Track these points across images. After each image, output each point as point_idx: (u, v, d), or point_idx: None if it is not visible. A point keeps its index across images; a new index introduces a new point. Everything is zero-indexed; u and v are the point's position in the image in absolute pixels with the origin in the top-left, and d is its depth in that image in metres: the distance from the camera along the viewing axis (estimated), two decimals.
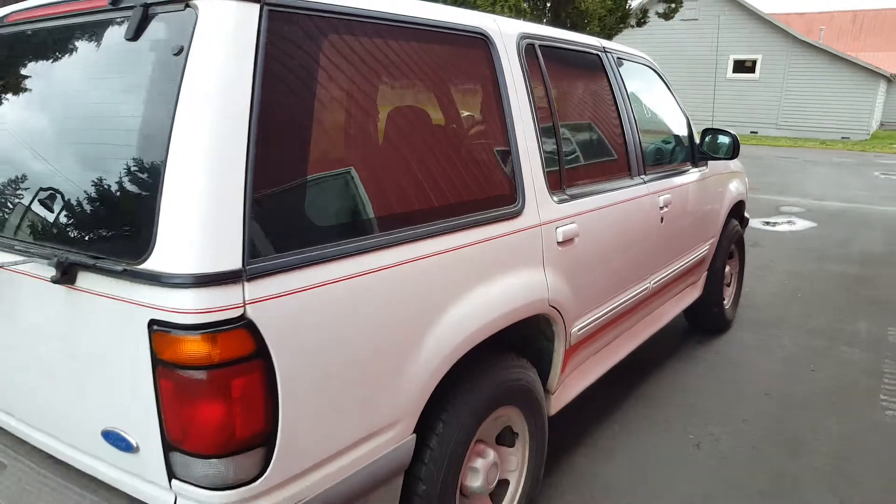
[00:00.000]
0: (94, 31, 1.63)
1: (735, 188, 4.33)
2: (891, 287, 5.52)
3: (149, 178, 1.35)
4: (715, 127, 3.73)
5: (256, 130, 1.37)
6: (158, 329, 1.29)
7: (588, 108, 2.78)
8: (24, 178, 1.63)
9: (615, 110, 2.89)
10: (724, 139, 3.66)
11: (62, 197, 1.52)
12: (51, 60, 1.74)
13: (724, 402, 3.42)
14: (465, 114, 2.13)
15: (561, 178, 2.35)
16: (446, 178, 1.90)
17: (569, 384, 2.57)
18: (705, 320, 4.29)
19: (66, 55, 1.69)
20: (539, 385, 2.27)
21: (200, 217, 1.28)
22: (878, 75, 22.65)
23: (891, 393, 3.54)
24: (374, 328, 1.60)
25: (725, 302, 4.39)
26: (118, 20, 1.56)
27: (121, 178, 1.41)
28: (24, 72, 1.79)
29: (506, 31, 2.22)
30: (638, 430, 3.13)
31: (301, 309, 1.41)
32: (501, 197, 2.06)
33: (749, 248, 5.46)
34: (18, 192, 1.63)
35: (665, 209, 3.15)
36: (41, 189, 1.58)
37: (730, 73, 23.01)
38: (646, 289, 3.06)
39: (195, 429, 1.31)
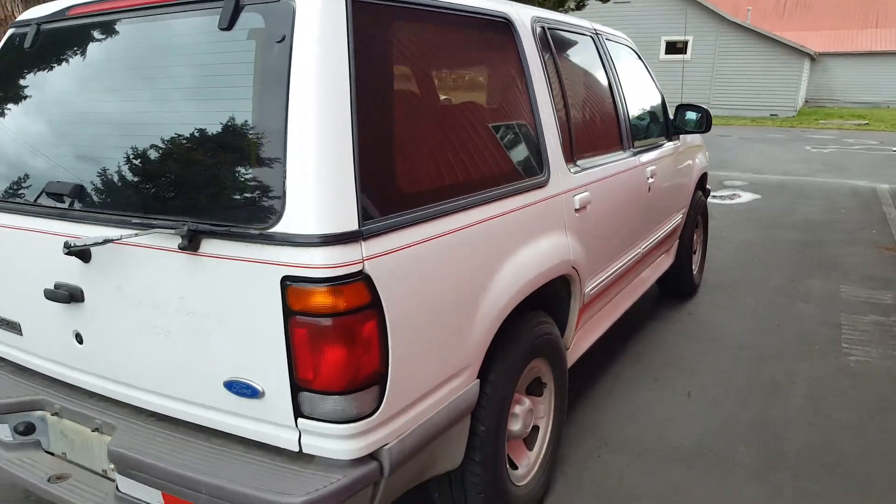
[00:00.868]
0: (173, 22, 1.75)
1: (700, 161, 4.66)
2: (834, 250, 6.00)
3: (272, 153, 1.48)
4: (688, 103, 4.02)
5: (357, 108, 1.53)
6: (291, 284, 1.44)
7: (587, 86, 3.00)
8: (139, 156, 1.71)
9: (608, 88, 3.13)
10: (696, 114, 3.96)
11: (185, 173, 1.64)
12: (133, 49, 1.84)
13: (705, 357, 3.74)
14: (500, 93, 2.31)
15: (572, 151, 2.56)
16: (497, 150, 2.11)
17: (579, 341, 2.80)
18: (677, 285, 4.61)
19: (150, 43, 1.80)
20: (561, 340, 2.49)
21: (323, 185, 1.45)
22: (802, 54, 23.86)
23: (850, 341, 3.93)
24: (455, 281, 1.81)
25: (693, 268, 4.73)
26: (196, 11, 1.69)
27: (243, 154, 1.54)
28: (109, 58, 1.88)
29: (523, 16, 2.41)
30: (631, 385, 3.41)
31: (403, 264, 1.59)
32: (532, 168, 2.26)
33: None
34: (136, 169, 1.72)
35: (651, 180, 3.41)
36: (161, 167, 1.68)
37: (662, 55, 23.71)
38: (638, 253, 3.33)
39: (325, 369, 1.47)
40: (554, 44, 2.60)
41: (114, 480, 1.81)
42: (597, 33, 3.17)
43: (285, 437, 1.58)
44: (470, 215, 1.86)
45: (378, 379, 1.55)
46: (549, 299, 2.54)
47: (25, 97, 2.04)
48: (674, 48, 23.79)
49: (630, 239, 3.21)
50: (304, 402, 1.52)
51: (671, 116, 3.98)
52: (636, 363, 3.65)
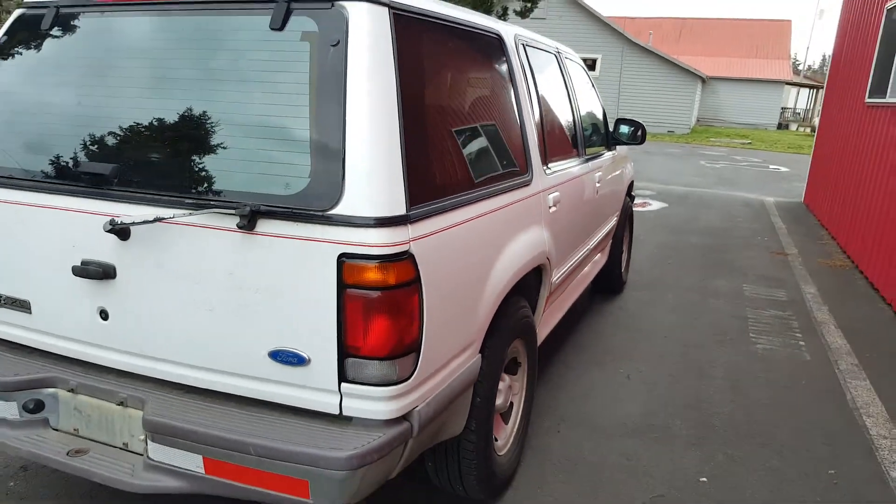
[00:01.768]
0: (217, 17, 1.88)
1: (629, 170, 5.13)
2: (734, 253, 6.69)
3: (331, 143, 1.66)
4: (625, 118, 4.44)
5: (401, 107, 1.74)
6: (347, 261, 1.63)
7: (552, 97, 3.31)
8: (191, 141, 1.83)
9: (568, 100, 3.46)
10: (631, 128, 4.38)
11: (240, 158, 1.77)
12: (173, 39, 1.94)
13: (638, 345, 4.16)
14: (497, 99, 2.57)
15: (545, 155, 2.86)
16: (498, 149, 2.37)
17: (542, 326, 3.10)
18: (609, 282, 5.04)
19: (193, 35, 1.92)
20: (534, 323, 2.78)
21: (377, 174, 1.64)
22: (696, 76, 25.75)
23: (756, 332, 4.48)
24: (470, 264, 2.05)
25: (622, 267, 5.18)
26: (244, 10, 1.84)
27: (300, 142, 1.70)
28: (145, 47, 1.97)
29: (509, 32, 2.69)
30: (578, 370, 3.75)
31: (437, 246, 1.82)
32: (519, 169, 2.54)
33: None
34: (188, 154, 1.83)
35: (598, 185, 3.79)
36: (216, 153, 1.80)
37: None
38: (587, 249, 3.68)
39: (373, 337, 1.66)
40: (528, 58, 2.89)
41: (136, 452, 1.90)
42: (558, 51, 3.50)
43: (326, 401, 1.75)
44: (481, 206, 2.12)
45: (415, 347, 1.76)
46: (525, 287, 2.83)
47: (48, 76, 2.07)
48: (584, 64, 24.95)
49: (583, 236, 3.56)
50: (350, 367, 1.70)
51: (610, 128, 4.39)
52: (580, 351, 4.01)
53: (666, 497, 2.62)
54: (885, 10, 6.59)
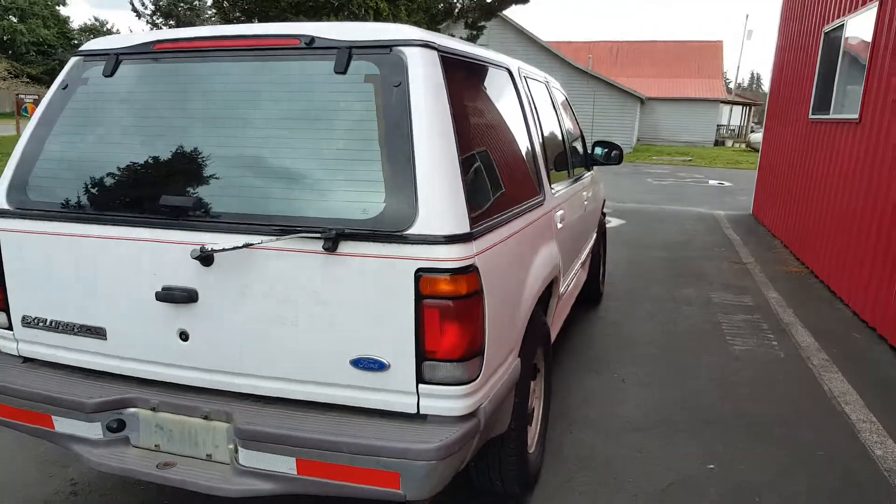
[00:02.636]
0: (278, 63, 2.08)
1: (602, 189, 5.45)
2: (697, 264, 7.10)
3: (402, 171, 1.85)
4: (603, 140, 4.75)
5: (457, 137, 1.95)
6: (423, 275, 1.81)
7: (547, 123, 3.58)
8: (277, 175, 1.99)
9: (558, 125, 3.74)
10: (609, 149, 4.69)
11: (319, 188, 1.93)
12: (237, 82, 2.11)
13: (624, 351, 4.43)
14: (514, 126, 2.81)
15: (549, 177, 3.10)
16: (521, 171, 2.60)
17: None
18: (587, 293, 5.30)
19: (254, 78, 2.10)
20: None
21: (446, 197, 1.85)
22: (635, 97, 26.85)
23: (731, 335, 4.81)
24: (513, 275, 2.26)
25: (600, 278, 5.47)
26: (308, 57, 2.04)
27: (374, 171, 1.88)
28: (210, 89, 2.14)
29: (513, 64, 2.94)
30: (576, 375, 3.98)
31: (491, 259, 2.02)
32: (536, 189, 2.77)
33: None
34: (275, 185, 1.99)
35: (585, 203, 4.06)
36: (300, 183, 1.96)
37: None
38: (580, 262, 3.94)
39: (447, 342, 1.84)
40: (529, 88, 3.15)
41: (221, 462, 2.03)
42: (546, 80, 3.78)
43: (405, 402, 1.92)
44: (517, 224, 2.35)
45: (481, 350, 1.95)
46: (541, 298, 3.05)
47: (121, 117, 2.20)
48: None
49: (576, 250, 3.81)
50: (426, 369, 1.88)
51: (589, 150, 4.69)
52: (575, 358, 4.25)
53: (683, 483, 2.85)
54: (822, 34, 7.19)
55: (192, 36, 2.21)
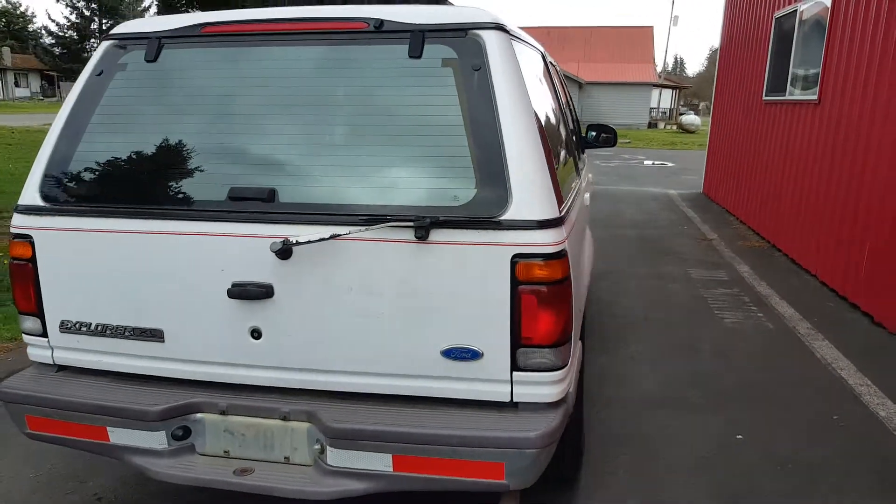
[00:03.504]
0: (345, 47, 2.00)
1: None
2: (667, 242, 7.31)
3: (492, 156, 1.81)
4: (597, 123, 4.81)
5: (536, 118, 1.93)
6: (520, 260, 1.78)
7: (564, 101, 3.59)
8: (362, 164, 1.92)
9: (568, 103, 3.76)
10: (600, 132, 4.75)
11: (409, 175, 1.88)
12: (299, 65, 2.01)
13: (626, 329, 4.52)
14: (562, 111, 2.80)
15: (579, 158, 3.13)
16: (571, 153, 2.60)
17: None
18: None
19: (318, 63, 2.01)
20: None
21: (537, 180, 1.82)
22: (575, 82, 27.30)
23: (719, 309, 4.99)
24: (581, 256, 2.28)
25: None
26: (367, 40, 1.98)
27: (465, 158, 1.83)
28: (271, 74, 2.03)
29: (539, 45, 2.93)
30: (589, 356, 4.03)
31: (572, 243, 2.01)
32: (578, 172, 2.79)
33: None
34: (360, 174, 1.92)
35: (589, 184, 4.11)
36: (386, 171, 1.90)
37: None
38: (589, 242, 3.99)
39: (542, 328, 1.82)
40: (556, 69, 3.16)
41: (300, 464, 1.95)
42: (553, 62, 3.79)
43: (498, 391, 1.89)
44: (577, 206, 2.35)
45: (570, 336, 1.95)
46: None
47: (164, 106, 2.07)
48: None
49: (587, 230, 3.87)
50: (521, 356, 1.86)
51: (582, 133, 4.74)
52: (586, 335, 4.31)
53: (718, 454, 2.95)
54: (773, 19, 7.48)
55: (244, 18, 2.09)
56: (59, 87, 47.19)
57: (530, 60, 2.45)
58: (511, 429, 1.81)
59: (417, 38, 1.93)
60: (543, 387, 1.90)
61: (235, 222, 1.91)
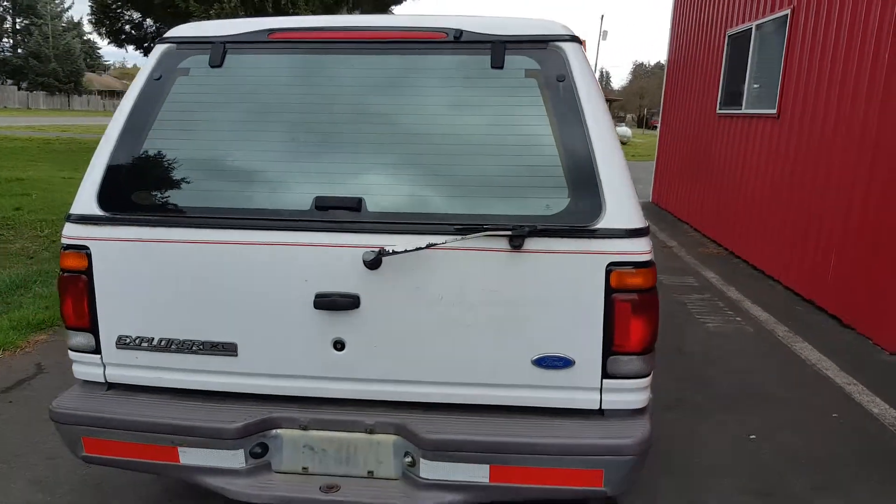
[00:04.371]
0: (423, 56, 2.01)
1: None
2: None
3: (583, 165, 1.84)
4: None
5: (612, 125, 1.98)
6: (615, 268, 1.82)
7: None
8: (452, 173, 1.90)
9: None
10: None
11: (503, 184, 1.87)
12: (379, 73, 1.99)
13: None
14: None
15: None
16: None
17: None
18: None
19: (396, 71, 2.00)
20: None
21: (626, 188, 1.87)
22: None
23: (699, 314, 5.20)
24: None
25: None
26: (446, 50, 2.00)
27: (556, 167, 1.86)
28: (348, 81, 2.00)
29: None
30: None
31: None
32: None
33: None
34: (451, 184, 1.89)
35: None
36: (477, 180, 1.88)
37: None
38: None
39: (634, 335, 1.86)
40: None
41: (385, 478, 1.92)
42: None
43: (588, 398, 1.92)
44: None
45: (655, 344, 1.99)
46: None
47: (234, 113, 2.00)
48: None
49: None
50: (611, 364, 1.89)
51: None
52: None
53: (736, 452, 3.07)
54: (726, 36, 7.88)
55: (315, 26, 2.06)
56: None
57: None
58: (610, 436, 1.84)
59: (499, 48, 1.95)
60: (631, 394, 1.93)
61: (321, 232, 1.87)
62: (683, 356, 4.28)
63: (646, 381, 1.94)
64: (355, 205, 1.87)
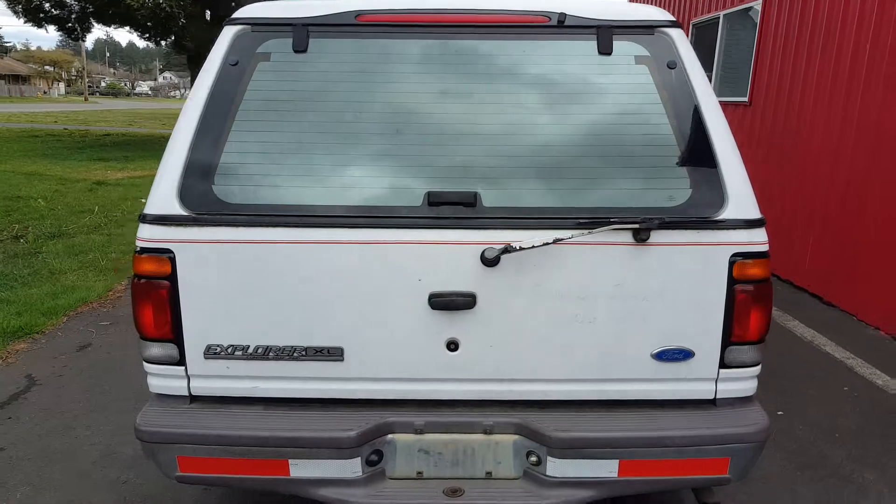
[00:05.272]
0: (524, 42, 1.95)
1: None
2: None
3: (702, 154, 1.83)
4: None
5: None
6: (737, 259, 1.82)
7: None
8: (571, 165, 1.85)
9: None
10: None
11: (621, 175, 1.83)
12: (478, 59, 1.93)
13: None
14: None
15: None
16: None
17: None
18: None
19: (494, 57, 1.94)
20: None
21: (744, 178, 1.86)
22: None
23: None
24: None
25: None
26: (549, 35, 1.95)
27: (675, 157, 1.84)
28: (451, 68, 1.92)
29: None
30: None
31: None
32: None
33: None
34: (571, 176, 1.85)
35: None
36: (598, 172, 1.84)
37: None
38: None
39: (753, 325, 1.87)
40: None
41: (503, 478, 1.88)
42: None
43: (704, 388, 1.92)
44: None
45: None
46: None
47: (329, 102, 1.88)
48: None
49: None
50: (728, 354, 1.89)
51: None
52: None
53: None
54: (691, 25, 8.07)
55: (407, 8, 1.95)
56: None
57: None
58: (736, 424, 1.85)
59: (606, 34, 1.91)
60: (744, 382, 1.94)
61: (435, 229, 1.79)
62: None
63: (757, 369, 1.96)
64: (471, 199, 1.79)
